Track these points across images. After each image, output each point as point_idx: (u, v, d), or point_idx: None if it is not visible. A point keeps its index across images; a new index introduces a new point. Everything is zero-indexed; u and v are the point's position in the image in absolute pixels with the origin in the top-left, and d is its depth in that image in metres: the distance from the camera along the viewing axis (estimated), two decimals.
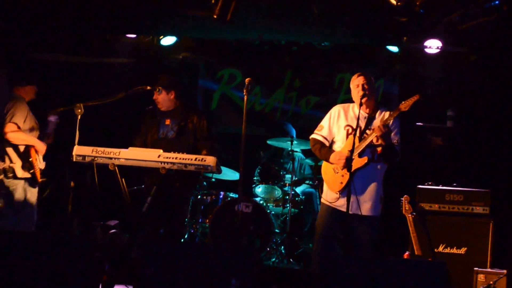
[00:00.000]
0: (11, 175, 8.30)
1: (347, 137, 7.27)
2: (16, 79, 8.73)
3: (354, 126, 7.18)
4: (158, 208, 7.44)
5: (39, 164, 8.44)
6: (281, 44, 11.37)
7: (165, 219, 7.73)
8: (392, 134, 7.12)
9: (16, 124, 8.27)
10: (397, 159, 7.24)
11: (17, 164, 8.32)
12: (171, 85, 7.94)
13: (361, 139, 7.09)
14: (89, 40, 10.82)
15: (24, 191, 8.42)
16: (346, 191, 6.87)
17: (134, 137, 7.97)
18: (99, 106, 7.82)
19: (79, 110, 7.44)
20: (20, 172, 8.33)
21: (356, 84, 7.23)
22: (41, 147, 8.44)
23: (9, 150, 8.33)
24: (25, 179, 8.36)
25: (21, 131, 8.28)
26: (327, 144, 7.41)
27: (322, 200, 7.47)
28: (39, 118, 8.72)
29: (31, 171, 8.34)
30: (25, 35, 10.09)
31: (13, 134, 8.23)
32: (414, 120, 9.70)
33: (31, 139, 8.37)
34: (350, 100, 7.48)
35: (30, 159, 8.32)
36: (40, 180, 8.43)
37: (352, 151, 6.84)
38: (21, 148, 8.37)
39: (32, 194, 8.49)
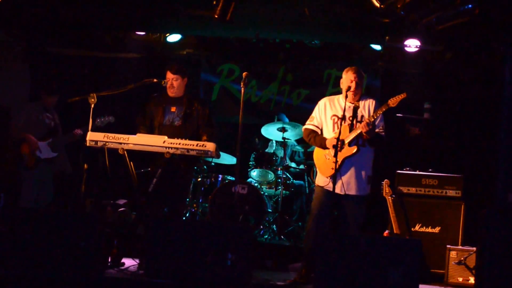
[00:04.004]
0: None
1: (333, 125, 7.27)
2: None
3: (339, 116, 7.21)
4: (162, 189, 7.41)
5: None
6: (275, 42, 11.33)
7: (169, 199, 7.70)
8: (377, 122, 7.15)
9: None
10: (382, 144, 7.26)
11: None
12: (186, 72, 7.90)
13: (351, 129, 7.09)
14: (102, 36, 10.80)
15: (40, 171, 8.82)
16: (337, 174, 6.91)
17: (139, 122, 7.90)
18: (110, 96, 7.80)
19: (93, 100, 7.42)
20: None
21: (350, 79, 7.18)
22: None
23: None
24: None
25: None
26: (319, 132, 7.40)
27: (315, 183, 7.46)
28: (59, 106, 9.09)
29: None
30: (46, 32, 10.10)
31: None
32: (394, 111, 9.67)
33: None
34: (337, 93, 7.47)
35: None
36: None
37: (337, 139, 6.84)
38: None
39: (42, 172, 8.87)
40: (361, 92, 7.36)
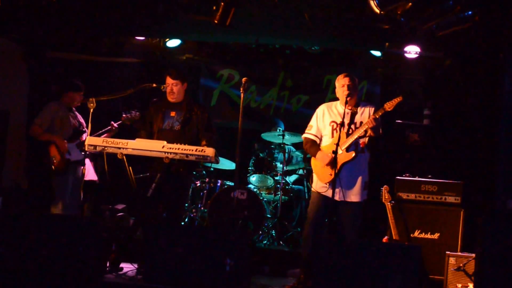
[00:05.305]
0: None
1: (332, 131, 7.28)
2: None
3: (338, 122, 7.22)
4: (161, 194, 7.40)
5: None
6: (275, 47, 11.32)
7: (167, 204, 7.69)
8: None
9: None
10: (379, 147, 7.26)
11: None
12: (185, 77, 7.88)
13: (348, 134, 7.09)
14: (103, 41, 10.81)
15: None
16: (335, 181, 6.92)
17: (138, 127, 7.88)
18: (110, 101, 7.80)
19: (92, 104, 7.45)
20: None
21: (342, 84, 7.21)
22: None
23: None
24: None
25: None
26: (318, 141, 7.40)
27: (312, 189, 7.45)
28: None
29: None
30: (46, 36, 10.10)
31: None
32: (394, 117, 9.69)
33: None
34: (337, 99, 7.45)
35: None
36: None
37: (337, 145, 6.85)
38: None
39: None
40: (357, 97, 7.36)
